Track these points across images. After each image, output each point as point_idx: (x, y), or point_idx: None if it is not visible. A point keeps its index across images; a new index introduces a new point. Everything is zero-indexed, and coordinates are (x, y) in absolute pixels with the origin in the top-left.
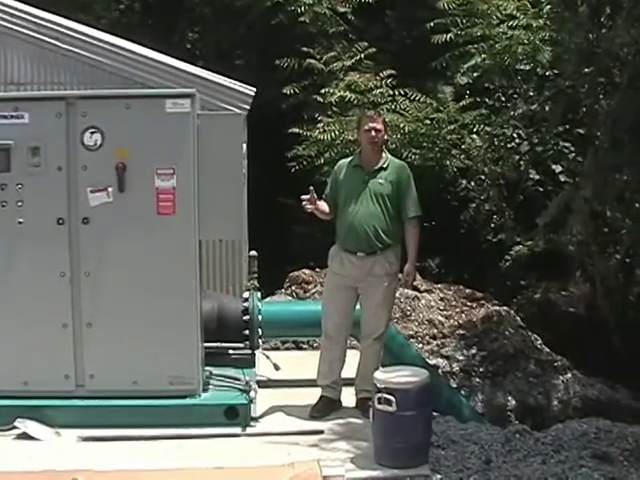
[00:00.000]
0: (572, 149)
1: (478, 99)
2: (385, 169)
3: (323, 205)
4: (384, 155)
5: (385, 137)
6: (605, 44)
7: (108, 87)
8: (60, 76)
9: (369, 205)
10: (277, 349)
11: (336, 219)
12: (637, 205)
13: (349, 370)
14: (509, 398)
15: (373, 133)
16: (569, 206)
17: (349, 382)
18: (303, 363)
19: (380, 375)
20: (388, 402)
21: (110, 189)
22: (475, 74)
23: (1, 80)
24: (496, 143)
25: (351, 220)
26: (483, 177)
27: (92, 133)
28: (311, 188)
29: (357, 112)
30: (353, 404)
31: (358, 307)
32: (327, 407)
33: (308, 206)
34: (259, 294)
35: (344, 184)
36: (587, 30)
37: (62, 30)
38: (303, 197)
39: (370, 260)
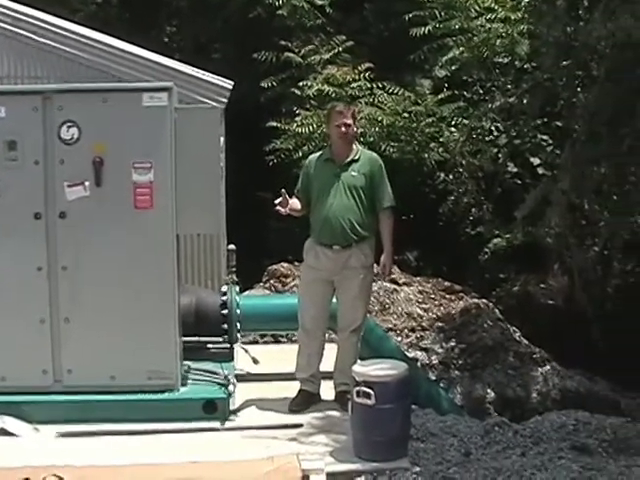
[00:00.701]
0: (550, 142)
1: (456, 92)
2: (357, 161)
3: (295, 204)
4: (355, 147)
5: (355, 129)
6: (582, 37)
7: (85, 81)
8: (37, 70)
9: (342, 198)
10: (256, 343)
11: (310, 213)
12: (615, 198)
13: (328, 363)
14: (488, 390)
15: (343, 129)
16: (547, 199)
17: (328, 375)
18: (282, 357)
19: (358, 368)
20: (367, 395)
21: (87, 183)
22: (453, 67)
23: None
24: (474, 136)
25: (325, 213)
26: (461, 170)
27: (69, 127)
28: (283, 190)
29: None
30: (332, 397)
31: (335, 300)
32: (306, 401)
33: (281, 209)
34: (237, 288)
35: (316, 178)
36: (565, 23)
37: (39, 24)
38: (276, 202)
39: (345, 253)
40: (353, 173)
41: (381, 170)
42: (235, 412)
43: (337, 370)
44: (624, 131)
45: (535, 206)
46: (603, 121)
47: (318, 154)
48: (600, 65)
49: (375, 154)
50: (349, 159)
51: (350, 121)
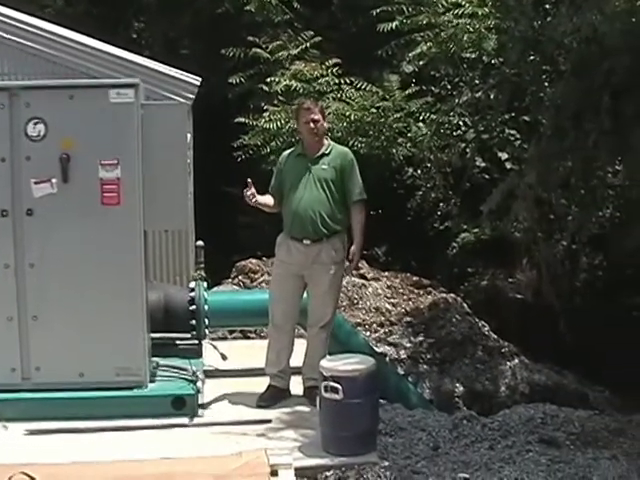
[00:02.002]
0: (518, 136)
1: (424, 87)
2: (327, 155)
3: (266, 199)
4: (326, 142)
5: (325, 125)
6: (549, 32)
7: (53, 78)
8: (4, 67)
9: (313, 191)
10: (224, 339)
11: (282, 208)
12: (582, 192)
13: (298, 359)
14: (457, 385)
15: (312, 125)
16: (514, 193)
17: (297, 371)
18: (250, 352)
19: (326, 363)
20: (335, 390)
21: (54, 180)
22: (421, 62)
23: None
24: (442, 131)
25: (296, 206)
26: (429, 165)
27: (35, 124)
28: (249, 180)
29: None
30: (301, 393)
31: (305, 296)
32: (275, 396)
33: (248, 199)
34: (205, 284)
35: (288, 173)
36: (531, 18)
37: (5, 20)
38: (245, 191)
39: (316, 247)
40: (323, 166)
41: (352, 163)
42: (204, 408)
43: (306, 365)
44: (589, 126)
45: (502, 200)
46: (568, 116)
47: (290, 150)
48: (567, 60)
49: (346, 148)
50: (320, 153)
51: (318, 116)
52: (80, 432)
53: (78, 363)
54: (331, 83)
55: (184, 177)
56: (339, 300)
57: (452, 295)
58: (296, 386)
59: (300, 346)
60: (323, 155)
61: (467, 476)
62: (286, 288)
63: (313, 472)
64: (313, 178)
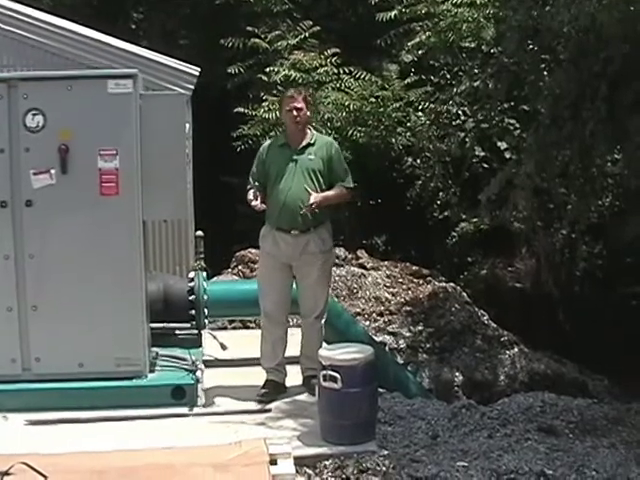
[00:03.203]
0: (517, 126)
1: (423, 77)
2: (312, 145)
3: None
4: (309, 132)
5: (308, 113)
6: (546, 21)
7: (52, 69)
8: (2, 58)
9: (300, 182)
10: (224, 329)
11: (266, 199)
12: (581, 181)
13: (293, 349)
14: (456, 374)
15: (295, 113)
16: (512, 182)
17: (294, 360)
18: (250, 342)
19: (325, 352)
20: (333, 379)
21: (53, 171)
22: (420, 52)
23: None
24: (441, 120)
25: (284, 198)
26: (429, 154)
27: (34, 115)
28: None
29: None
30: (299, 382)
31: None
32: (273, 391)
33: (258, 205)
34: (205, 274)
35: (273, 164)
36: (529, 7)
37: (3, 11)
38: (250, 198)
39: (304, 238)
40: (310, 156)
41: (338, 153)
42: (203, 397)
43: (303, 356)
44: (587, 114)
45: (501, 190)
46: (566, 104)
47: (272, 140)
48: (565, 49)
49: (330, 138)
50: (305, 143)
51: (301, 105)
52: (80, 422)
53: (78, 353)
54: (330, 73)
55: (183, 167)
56: (338, 289)
57: (451, 284)
58: (294, 375)
59: (293, 336)
60: (308, 145)
61: (466, 464)
62: (275, 279)
63: (312, 461)
64: (300, 169)
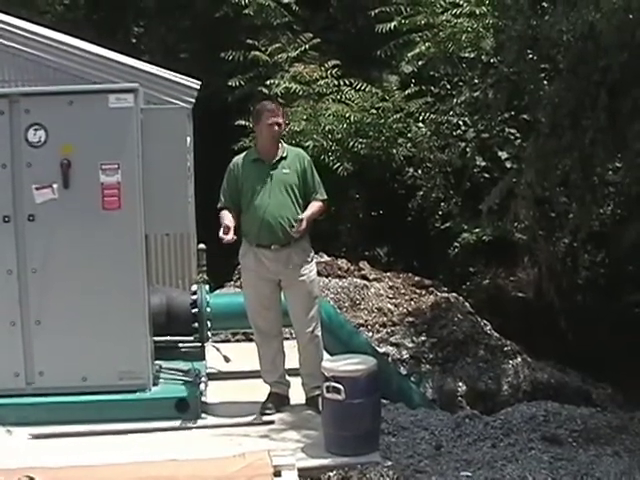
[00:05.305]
0: (518, 135)
1: (423, 87)
2: (285, 158)
3: (232, 221)
4: (281, 145)
5: (283, 127)
6: (545, 30)
7: (53, 84)
8: (4, 73)
9: (278, 196)
10: (227, 341)
11: (242, 216)
12: (582, 189)
13: (294, 359)
14: (459, 384)
15: (276, 128)
16: (513, 192)
17: (294, 373)
18: (253, 354)
19: (328, 364)
20: (337, 391)
21: (55, 186)
22: (420, 62)
23: None
24: (442, 131)
25: (262, 214)
26: (430, 165)
27: (36, 130)
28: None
29: (302, 103)
30: (302, 393)
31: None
32: (277, 403)
33: (228, 238)
34: (207, 287)
35: (247, 180)
36: (528, 17)
37: (5, 27)
38: (224, 238)
39: (285, 251)
40: (285, 170)
41: (311, 165)
42: (207, 410)
43: (304, 374)
44: (586, 123)
45: (502, 199)
46: (565, 113)
47: (242, 155)
48: (564, 58)
49: (301, 150)
50: (278, 157)
51: (281, 120)
52: (84, 436)
53: (81, 367)
54: (330, 85)
55: (184, 180)
56: (341, 301)
57: (454, 294)
58: (297, 387)
59: (288, 348)
60: (281, 159)
61: (470, 474)
62: (264, 296)
63: (316, 472)
64: (276, 184)
